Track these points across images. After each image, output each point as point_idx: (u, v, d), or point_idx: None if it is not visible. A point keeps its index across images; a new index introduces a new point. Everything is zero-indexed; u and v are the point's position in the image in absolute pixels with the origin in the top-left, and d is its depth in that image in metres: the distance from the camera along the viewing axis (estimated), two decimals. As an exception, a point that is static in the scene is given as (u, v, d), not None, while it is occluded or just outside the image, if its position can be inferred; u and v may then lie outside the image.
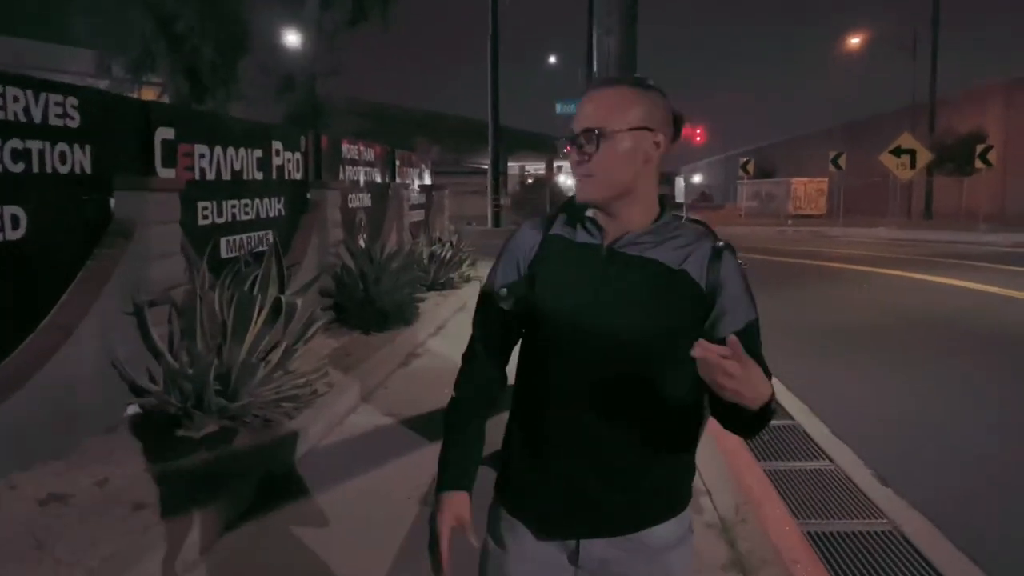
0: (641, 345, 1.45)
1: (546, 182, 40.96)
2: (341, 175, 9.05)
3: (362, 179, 9.99)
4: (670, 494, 1.56)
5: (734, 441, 4.82)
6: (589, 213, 1.53)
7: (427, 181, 14.92)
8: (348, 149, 9.42)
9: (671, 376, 1.46)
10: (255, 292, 4.43)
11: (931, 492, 4.21)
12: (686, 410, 1.50)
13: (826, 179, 38.21)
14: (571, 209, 1.57)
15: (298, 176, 7.47)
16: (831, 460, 4.74)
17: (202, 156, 5.57)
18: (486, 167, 33.31)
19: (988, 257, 17.36)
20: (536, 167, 59.35)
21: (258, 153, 6.50)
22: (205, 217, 5.59)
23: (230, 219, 5.96)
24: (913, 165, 27.15)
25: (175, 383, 4.18)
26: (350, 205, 9.12)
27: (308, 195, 7.70)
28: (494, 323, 1.62)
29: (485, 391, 1.66)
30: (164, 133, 5.04)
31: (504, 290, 1.59)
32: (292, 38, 18.24)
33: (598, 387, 1.47)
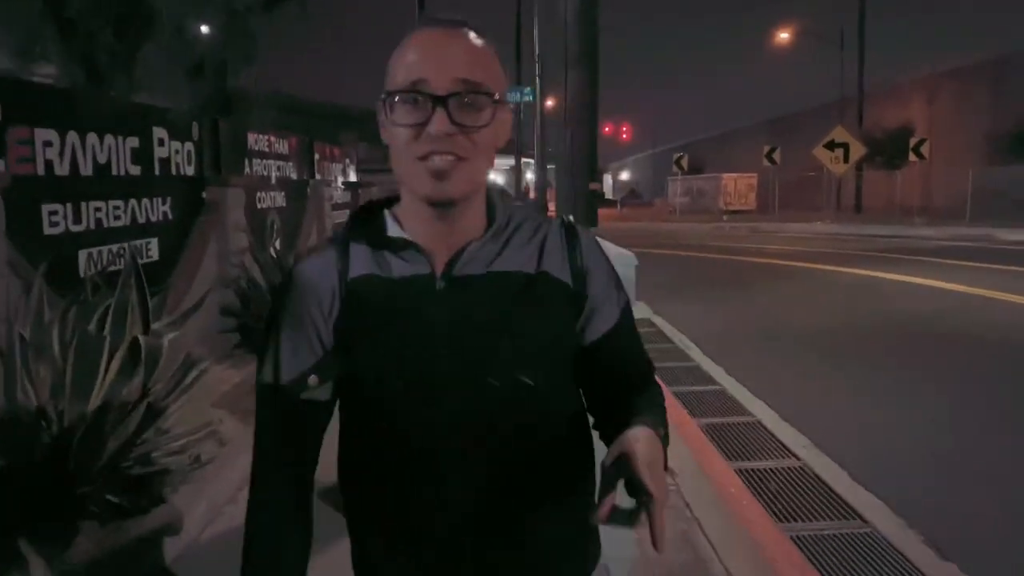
0: (516, 386, 1.12)
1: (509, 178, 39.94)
2: (247, 170, 7.74)
3: (274, 175, 8.68)
4: (577, 552, 1.26)
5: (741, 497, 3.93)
6: (396, 231, 1.13)
7: (352, 178, 13.61)
8: (256, 140, 8.10)
9: (556, 408, 1.20)
10: (105, 330, 3.19)
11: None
12: (574, 442, 1.23)
13: (755, 174, 38.43)
14: (369, 229, 1.15)
15: (190, 171, 6.16)
16: (863, 520, 3.81)
17: (48, 144, 4.26)
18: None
19: (931, 251, 16.97)
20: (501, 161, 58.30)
21: (133, 142, 5.20)
22: (54, 224, 4.29)
23: (92, 226, 4.66)
24: (847, 159, 27.09)
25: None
26: (259, 205, 7.82)
27: (204, 194, 6.39)
28: (297, 427, 1.16)
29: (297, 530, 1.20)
30: (-18, 112, 3.74)
31: (313, 378, 1.13)
32: (200, 20, 16.76)
33: (470, 454, 1.12)
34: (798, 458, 4.71)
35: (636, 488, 0.99)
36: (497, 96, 1.07)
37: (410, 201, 1.13)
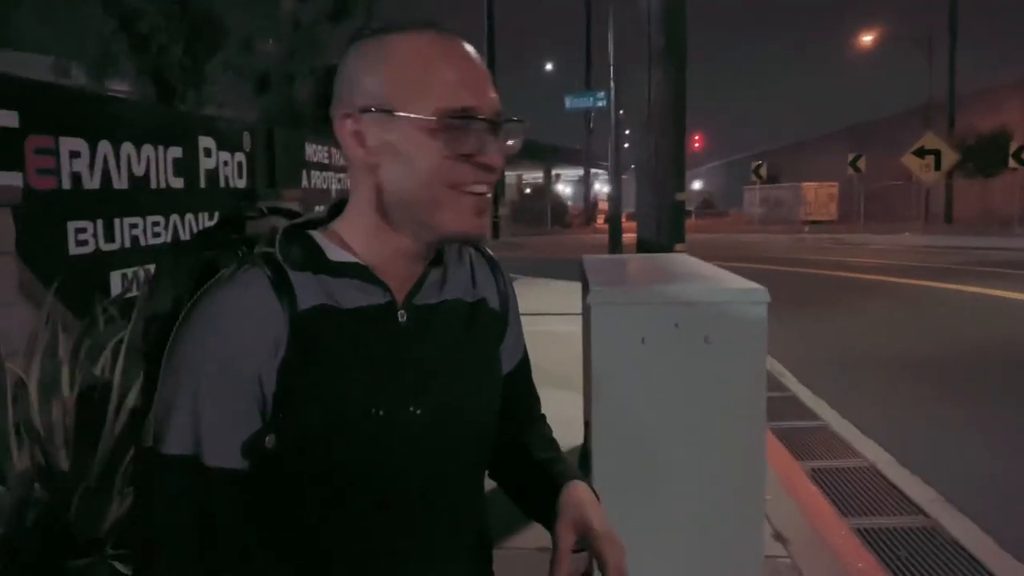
0: (482, 412, 1.09)
1: (546, 191, 39.65)
2: (305, 182, 7.33)
3: (334, 188, 8.28)
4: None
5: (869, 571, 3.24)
6: (341, 255, 0.97)
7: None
8: (315, 151, 7.70)
9: (492, 439, 1.13)
10: (114, 370, 2.72)
11: None
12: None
13: (836, 183, 37.06)
14: (304, 253, 0.96)
15: (241, 183, 5.75)
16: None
17: (75, 155, 3.85)
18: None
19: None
20: (534, 175, 58.29)
21: (176, 152, 4.79)
22: (82, 243, 3.88)
23: (128, 244, 4.24)
24: (938, 167, 25.63)
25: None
26: (318, 220, 7.40)
27: (256, 208, 5.98)
28: (230, 516, 0.93)
29: None
30: (-2, 118, 3.32)
31: (270, 438, 0.92)
32: (267, 34, 16.68)
33: (432, 498, 1.02)
34: (927, 515, 4.01)
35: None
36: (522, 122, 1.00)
37: (374, 225, 0.99)
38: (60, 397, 2.88)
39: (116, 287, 4.09)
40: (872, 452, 4.94)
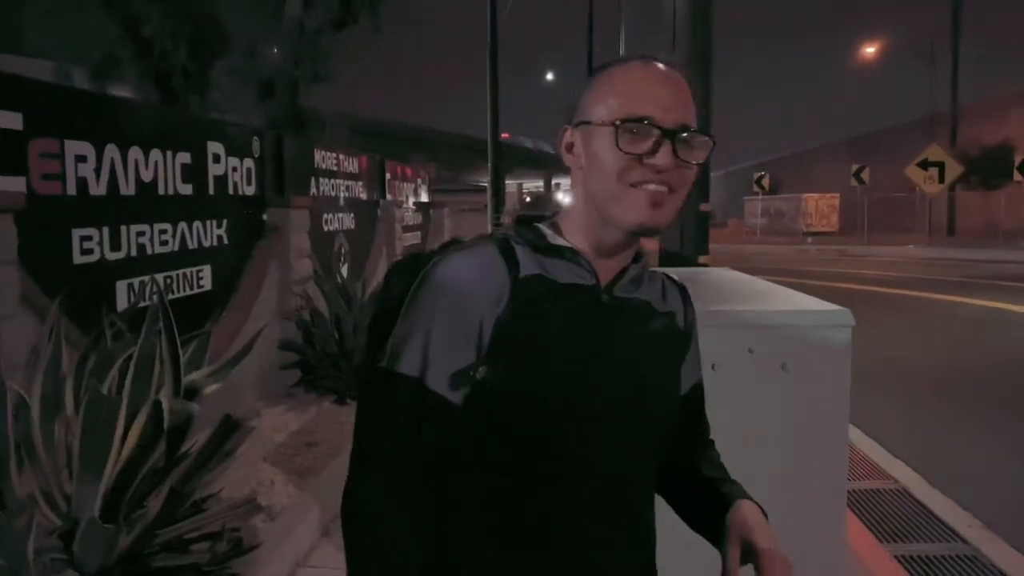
0: (662, 414, 1.19)
1: (545, 199, 39.62)
2: (313, 190, 7.14)
3: (342, 195, 8.09)
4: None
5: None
6: (560, 241, 1.17)
7: (424, 198, 13.04)
8: (324, 157, 7.51)
9: (664, 445, 1.22)
10: (122, 389, 2.53)
11: None
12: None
13: (837, 195, 36.95)
14: (531, 235, 1.17)
15: (250, 190, 5.57)
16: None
17: (81, 159, 3.68)
18: (484, 184, 31.98)
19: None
20: (534, 184, 58.24)
21: (184, 157, 4.61)
22: (88, 251, 3.70)
23: (135, 253, 4.06)
24: (942, 179, 25.51)
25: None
26: (325, 228, 7.22)
27: (264, 216, 5.80)
28: (435, 435, 1.08)
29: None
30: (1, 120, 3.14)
31: (482, 369, 1.07)
32: (272, 39, 16.51)
33: (615, 488, 1.13)
34: (966, 542, 3.84)
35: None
36: (710, 137, 1.12)
37: (587, 220, 1.15)
38: (63, 415, 2.70)
39: (122, 298, 3.92)
40: (902, 473, 4.76)
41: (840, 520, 2.33)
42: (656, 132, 1.08)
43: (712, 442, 1.38)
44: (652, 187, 1.08)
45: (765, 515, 1.17)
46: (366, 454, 1.11)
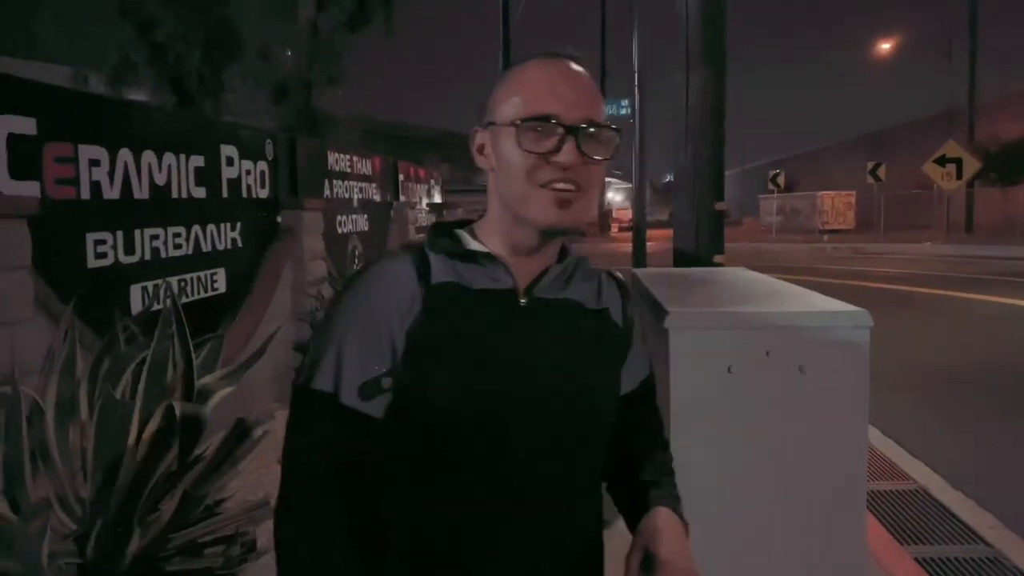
0: (593, 415, 1.15)
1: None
2: (327, 192, 7.16)
3: (356, 197, 8.10)
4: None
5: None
6: (477, 246, 1.14)
7: (437, 199, 13.04)
8: (337, 159, 7.52)
9: (602, 446, 1.20)
10: (135, 393, 2.54)
11: None
12: (597, 486, 1.24)
13: (853, 192, 36.67)
14: (447, 242, 1.15)
15: (263, 193, 5.58)
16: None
17: (95, 163, 3.69)
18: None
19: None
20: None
21: (198, 161, 4.62)
22: (101, 255, 3.71)
23: (148, 257, 4.07)
24: (960, 175, 25.23)
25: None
26: (339, 230, 7.24)
27: (278, 218, 5.81)
28: (352, 446, 1.07)
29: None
30: (14, 125, 3.15)
31: (387, 380, 1.07)
32: (286, 42, 16.58)
33: (537, 499, 1.09)
34: (988, 544, 3.78)
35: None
36: (616, 129, 1.11)
37: (502, 223, 1.14)
38: (77, 420, 2.71)
39: (136, 302, 3.93)
40: (920, 473, 4.70)
41: (860, 523, 2.29)
42: (559, 130, 1.07)
43: (665, 441, 1.34)
44: (559, 186, 1.07)
45: (686, 526, 1.15)
46: (287, 471, 1.11)
